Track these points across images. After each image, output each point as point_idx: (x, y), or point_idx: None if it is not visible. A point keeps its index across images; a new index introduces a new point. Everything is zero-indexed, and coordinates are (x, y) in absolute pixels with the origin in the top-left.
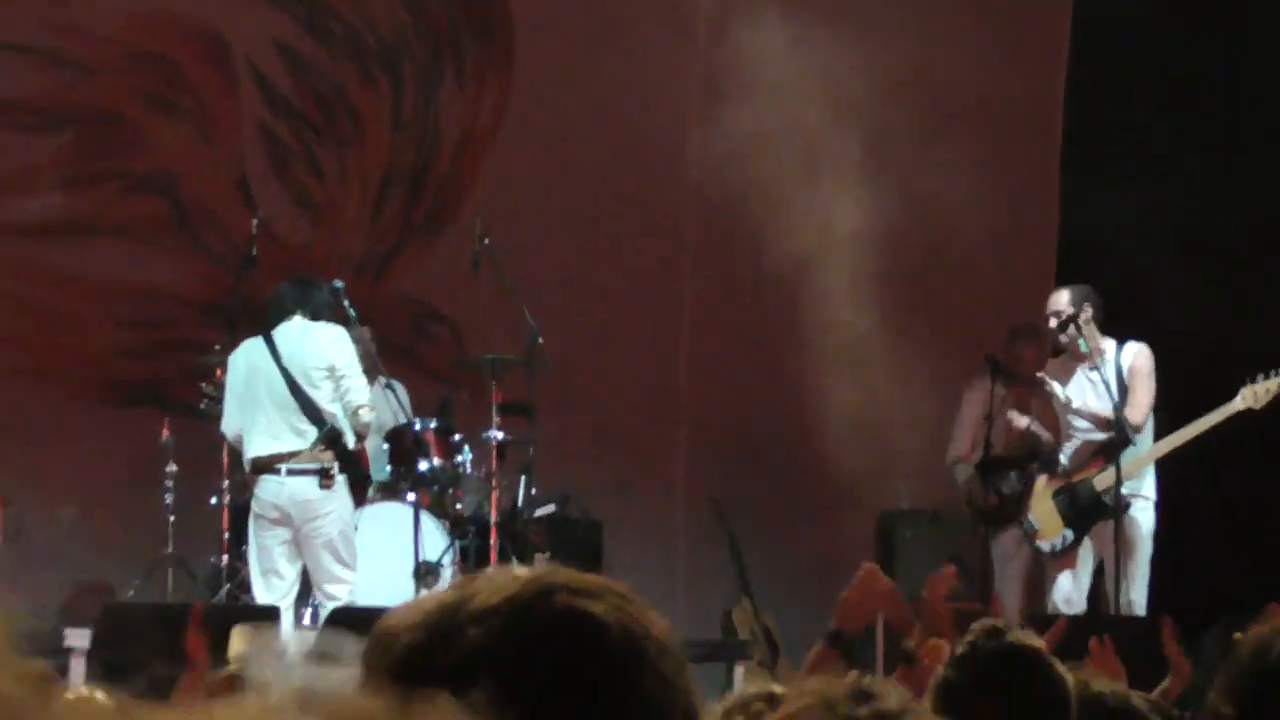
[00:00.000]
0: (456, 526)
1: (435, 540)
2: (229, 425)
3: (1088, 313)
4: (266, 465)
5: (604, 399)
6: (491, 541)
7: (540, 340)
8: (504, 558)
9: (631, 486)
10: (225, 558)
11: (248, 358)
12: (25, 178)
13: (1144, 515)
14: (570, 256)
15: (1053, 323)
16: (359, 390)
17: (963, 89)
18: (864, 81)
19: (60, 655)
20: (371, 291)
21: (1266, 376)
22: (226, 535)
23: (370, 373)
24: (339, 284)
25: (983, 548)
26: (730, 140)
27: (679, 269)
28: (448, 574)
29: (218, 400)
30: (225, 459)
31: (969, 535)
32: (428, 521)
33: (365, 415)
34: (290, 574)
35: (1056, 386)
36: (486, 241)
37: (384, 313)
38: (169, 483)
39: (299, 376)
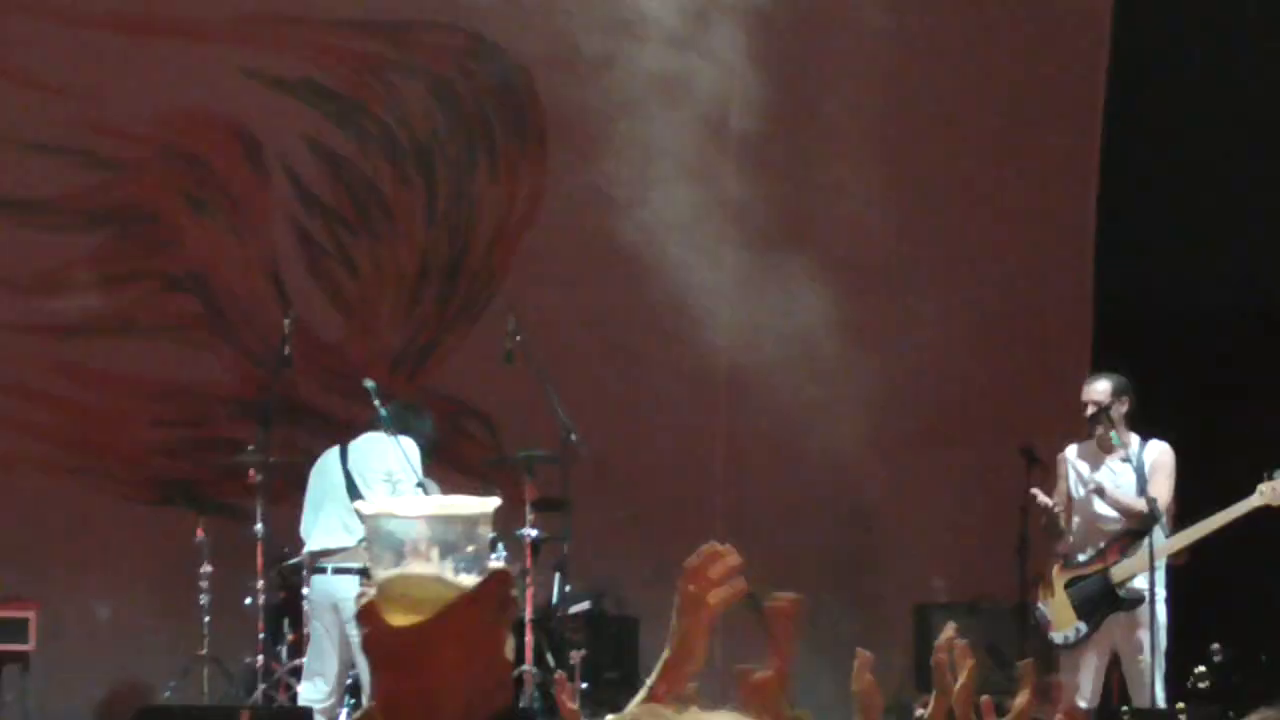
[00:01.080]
0: None
1: None
2: (304, 529)
3: (1123, 406)
4: (317, 560)
5: (639, 490)
6: (527, 640)
7: (573, 436)
8: (539, 655)
9: (668, 577)
10: (260, 658)
11: (323, 462)
12: (61, 277)
13: (1159, 609)
14: (603, 347)
15: (1090, 410)
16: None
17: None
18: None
19: None
20: (408, 388)
21: None
22: (262, 635)
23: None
24: (370, 383)
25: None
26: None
27: (712, 345)
28: None
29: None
30: (259, 559)
31: (1007, 625)
32: None
33: None
34: (332, 675)
35: (1084, 469)
36: (519, 338)
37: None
38: (204, 583)
39: (358, 477)
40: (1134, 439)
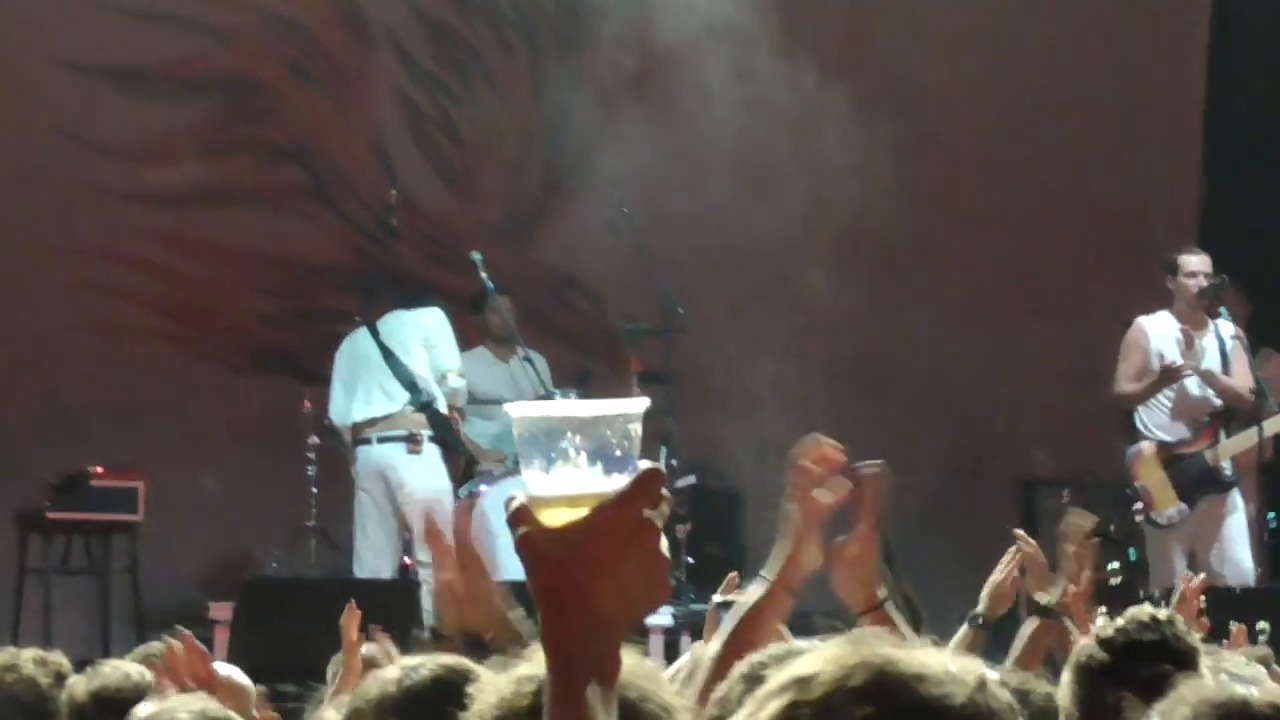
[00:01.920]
0: None
1: None
2: (335, 412)
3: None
4: (361, 431)
5: (741, 366)
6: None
7: (679, 309)
8: None
9: (771, 453)
10: None
11: (351, 344)
12: (164, 146)
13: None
14: (708, 220)
15: (1203, 282)
16: (449, 357)
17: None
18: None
19: (204, 626)
20: (512, 259)
21: None
22: None
23: (509, 344)
24: (476, 255)
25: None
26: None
27: (819, 230)
28: None
29: None
30: None
31: (1110, 501)
32: None
33: (454, 381)
34: (385, 545)
35: (1167, 344)
36: (625, 209)
37: (524, 282)
38: (310, 454)
39: (394, 346)
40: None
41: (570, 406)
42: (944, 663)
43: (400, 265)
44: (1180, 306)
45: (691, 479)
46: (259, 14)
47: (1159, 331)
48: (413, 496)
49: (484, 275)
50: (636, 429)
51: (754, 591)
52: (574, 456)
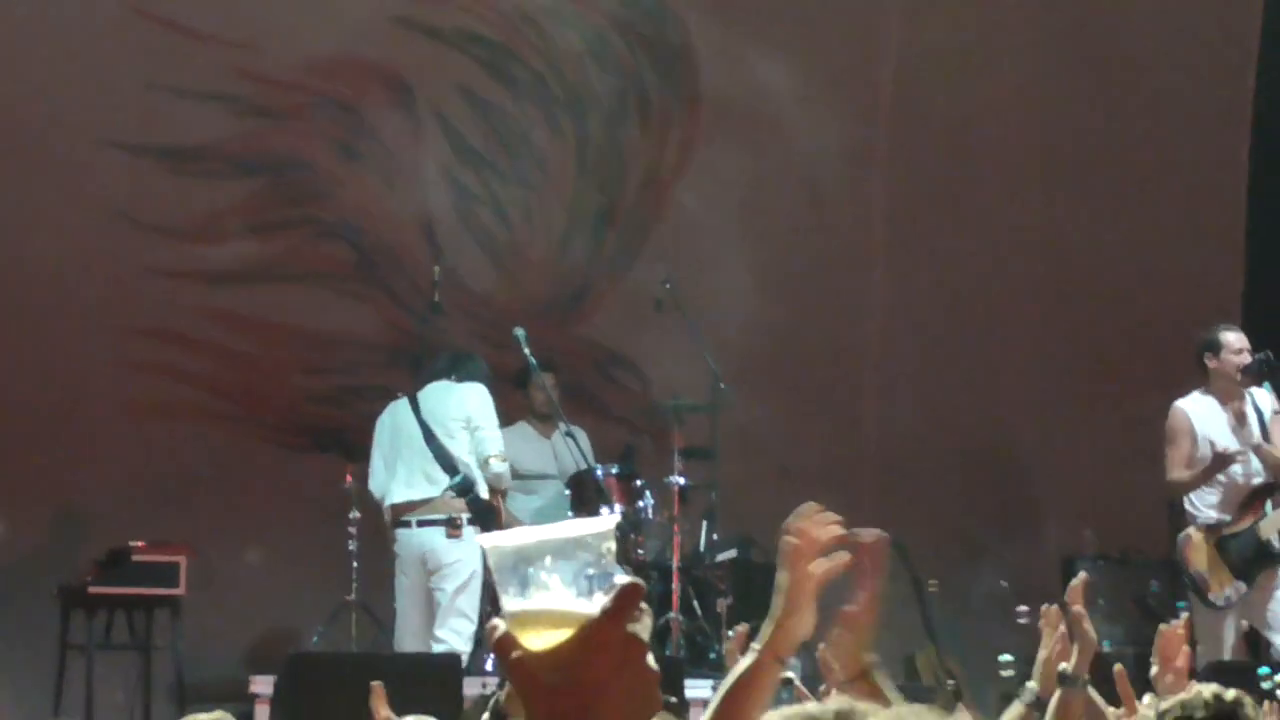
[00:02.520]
0: (639, 572)
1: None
2: (375, 484)
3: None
4: (400, 514)
5: (787, 440)
6: (674, 587)
7: (722, 385)
8: (686, 603)
9: None
10: None
11: (393, 416)
12: (214, 225)
13: None
14: (752, 295)
15: (1247, 358)
16: (492, 441)
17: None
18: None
19: (245, 702)
20: (558, 336)
21: None
22: None
23: (551, 420)
24: (520, 331)
25: None
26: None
27: (863, 303)
28: None
29: None
30: None
31: (1156, 578)
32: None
33: (496, 465)
34: (419, 627)
35: (1211, 425)
36: (668, 286)
37: (568, 358)
38: (352, 529)
39: (436, 428)
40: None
41: (542, 532)
42: None
43: (445, 342)
44: (1220, 384)
45: (733, 553)
46: (308, 94)
47: (1201, 414)
48: (446, 579)
49: (527, 351)
50: (610, 546)
51: (744, 662)
52: (549, 581)
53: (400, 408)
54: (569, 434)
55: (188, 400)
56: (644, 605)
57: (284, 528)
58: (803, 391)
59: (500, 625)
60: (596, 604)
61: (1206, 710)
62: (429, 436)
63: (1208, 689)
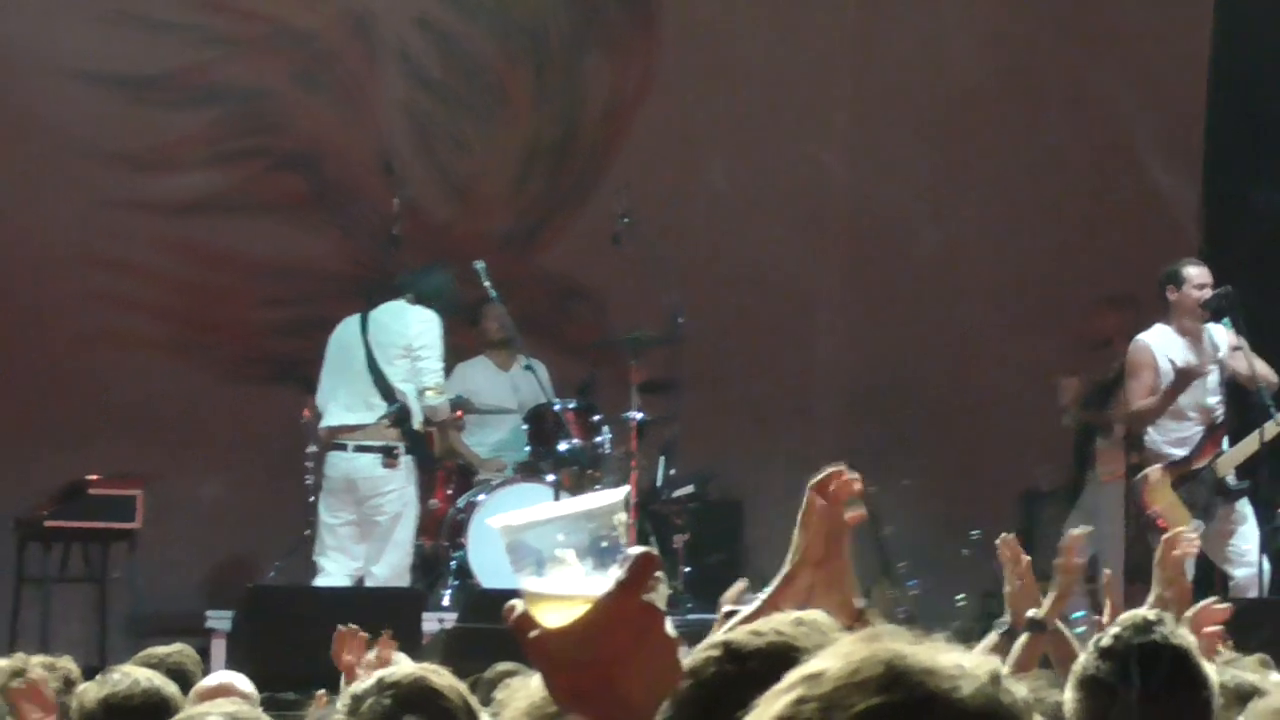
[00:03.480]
0: None
1: None
2: (320, 398)
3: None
4: (336, 437)
5: (747, 374)
6: (630, 522)
7: (681, 318)
8: (643, 538)
9: (773, 463)
10: None
11: (343, 332)
12: (171, 154)
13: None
14: (716, 227)
15: (1210, 293)
16: (432, 373)
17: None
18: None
19: (202, 636)
20: (515, 268)
21: None
22: None
23: (509, 351)
24: (480, 264)
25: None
26: (880, 96)
27: (827, 236)
28: None
29: None
30: None
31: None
32: None
33: (432, 398)
34: (358, 556)
35: (1175, 356)
36: (626, 220)
37: (527, 290)
38: (309, 463)
39: (378, 352)
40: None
41: (550, 508)
42: (957, 658)
43: (403, 274)
44: (1181, 318)
45: (690, 488)
46: (266, 24)
47: (1163, 346)
48: (381, 508)
49: (488, 284)
50: (622, 518)
51: (747, 611)
52: (565, 557)
53: (350, 325)
54: (528, 367)
55: (144, 332)
56: (659, 574)
57: (242, 460)
58: (763, 326)
59: (518, 605)
60: (611, 578)
61: (1137, 634)
62: (371, 361)
63: (1135, 615)
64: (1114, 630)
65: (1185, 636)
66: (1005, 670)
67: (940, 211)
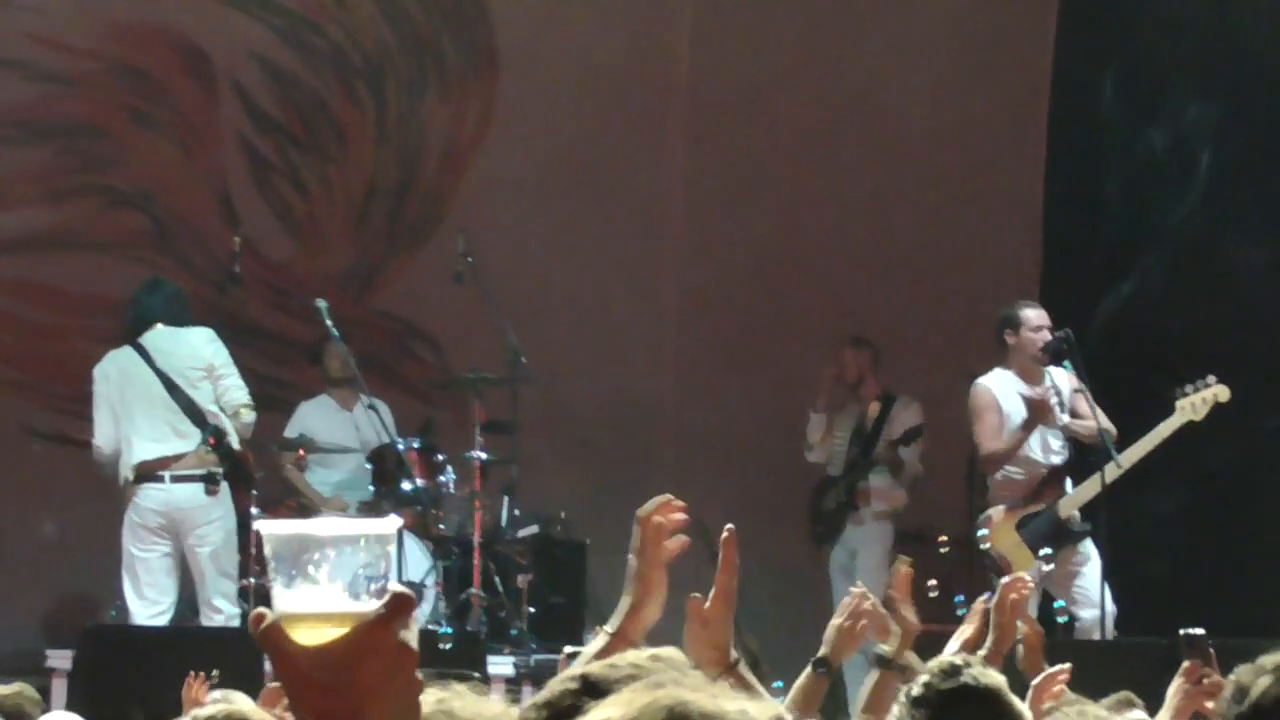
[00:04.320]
0: (439, 547)
1: (419, 561)
2: (102, 438)
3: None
4: (150, 471)
5: (587, 415)
6: (475, 562)
7: (523, 359)
8: (487, 578)
9: (616, 503)
10: None
11: (118, 366)
12: (5, 191)
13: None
14: (553, 269)
15: (1047, 336)
16: (239, 389)
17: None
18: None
19: (42, 675)
20: (355, 308)
21: (1196, 388)
22: None
23: (352, 390)
24: (322, 303)
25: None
26: (715, 128)
27: (663, 277)
28: (431, 595)
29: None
30: None
31: (953, 556)
32: (411, 542)
33: (245, 415)
34: (171, 591)
35: (1014, 401)
36: (470, 259)
37: (367, 330)
38: None
39: (177, 378)
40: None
41: (323, 525)
42: (741, 704)
43: (243, 312)
44: (1020, 361)
45: (534, 528)
46: (101, 60)
47: (1004, 390)
48: (206, 538)
49: (329, 323)
50: (390, 550)
51: (595, 645)
52: (319, 576)
53: (123, 357)
54: (371, 406)
55: None
56: (414, 615)
57: (77, 497)
58: (602, 365)
59: (268, 614)
60: (367, 605)
61: (944, 680)
62: (171, 387)
63: (941, 661)
64: (923, 679)
65: (993, 676)
66: (789, 715)
67: (776, 252)
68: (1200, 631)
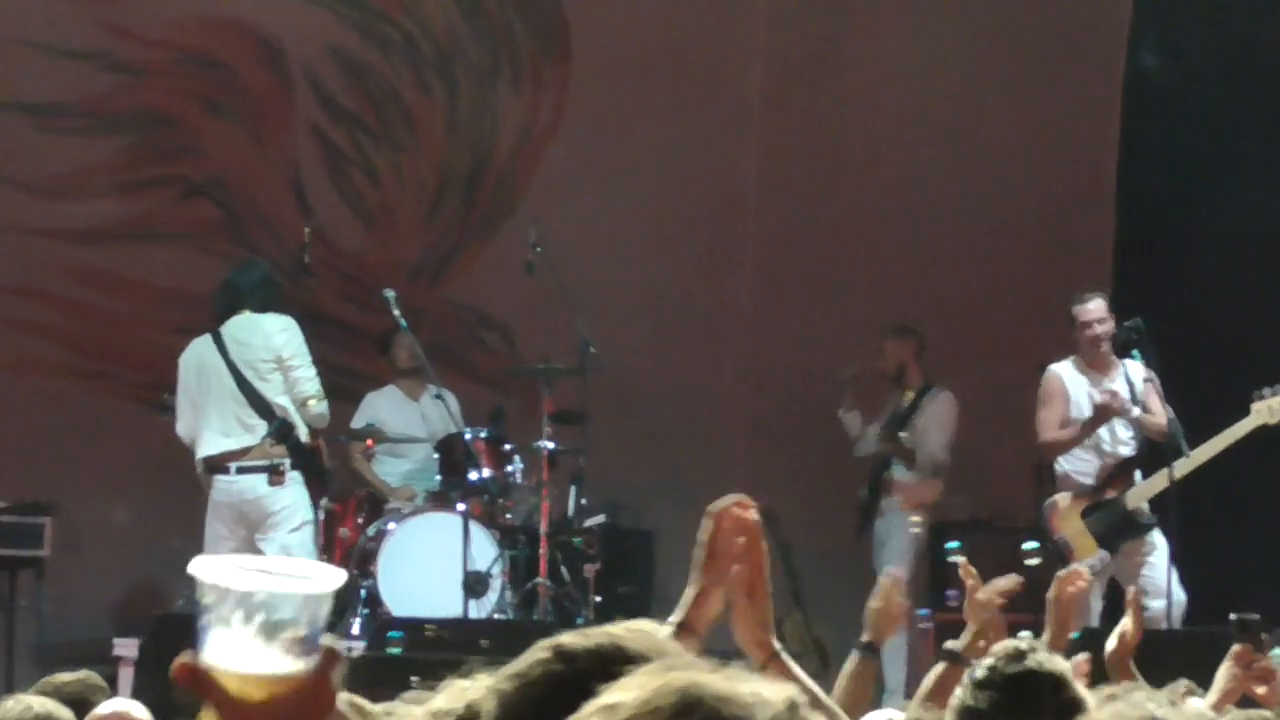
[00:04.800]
0: (506, 537)
1: (485, 550)
2: (182, 427)
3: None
4: (218, 464)
5: (657, 404)
6: (541, 552)
7: (592, 349)
8: (554, 568)
9: (684, 493)
10: None
11: (197, 355)
12: (79, 182)
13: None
14: (625, 259)
15: (1106, 327)
16: (308, 380)
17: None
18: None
19: (109, 664)
20: (426, 297)
21: (1275, 391)
22: None
23: (419, 380)
24: (390, 293)
25: None
26: (794, 133)
27: (735, 268)
28: (497, 584)
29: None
30: None
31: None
32: (477, 531)
33: (315, 406)
34: None
35: (1085, 390)
36: (539, 249)
37: (438, 319)
38: None
39: (246, 370)
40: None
41: (266, 577)
42: (754, 687)
43: (314, 302)
44: (1087, 352)
45: (601, 518)
46: (176, 50)
47: (1074, 378)
48: (275, 528)
49: (397, 312)
50: (325, 610)
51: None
52: (241, 625)
53: (203, 346)
54: (439, 396)
55: (52, 358)
56: (341, 674)
57: (150, 486)
58: (674, 356)
59: (192, 658)
60: (293, 661)
61: (1009, 664)
62: (240, 380)
63: (1007, 644)
64: (988, 661)
65: (1058, 661)
66: (802, 699)
67: (847, 245)
68: (1255, 616)
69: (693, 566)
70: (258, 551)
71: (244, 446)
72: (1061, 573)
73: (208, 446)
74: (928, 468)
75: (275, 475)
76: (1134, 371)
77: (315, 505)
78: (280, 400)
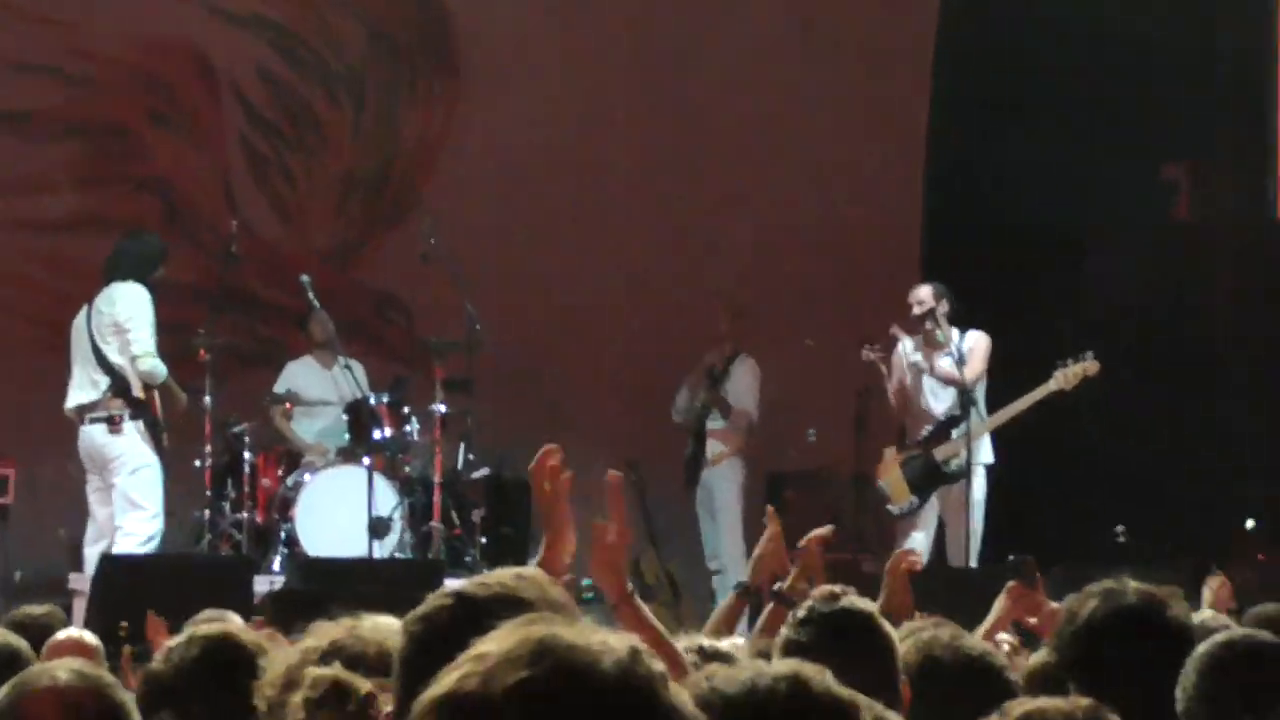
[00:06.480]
0: (405, 486)
1: (387, 498)
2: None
3: (944, 307)
4: (77, 416)
5: (537, 375)
6: (435, 500)
7: (478, 326)
8: (445, 513)
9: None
10: (206, 512)
11: (76, 321)
12: (41, 180)
13: (979, 481)
14: (510, 248)
15: (916, 310)
16: (139, 341)
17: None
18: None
19: (65, 596)
20: (337, 281)
21: (1075, 360)
22: (208, 493)
23: (330, 352)
24: (305, 277)
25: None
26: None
27: (610, 250)
28: (397, 528)
29: None
30: (207, 427)
31: (844, 493)
32: (380, 482)
33: (143, 364)
34: (104, 518)
35: (909, 346)
36: (433, 241)
37: (348, 300)
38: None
39: (96, 334)
40: (955, 333)
41: None
42: (602, 636)
43: (241, 285)
44: (914, 330)
45: (486, 471)
46: (125, 68)
47: (905, 352)
48: (114, 472)
49: (311, 295)
50: None
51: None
52: None
53: (80, 314)
54: (347, 366)
55: (19, 333)
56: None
57: None
58: (552, 331)
59: None
60: None
61: (824, 602)
62: (93, 343)
63: (824, 589)
64: (808, 603)
65: (867, 602)
66: (644, 646)
67: (704, 231)
68: (1028, 557)
69: (538, 519)
70: (106, 490)
71: (91, 400)
72: (898, 550)
73: (69, 399)
74: (741, 418)
75: (113, 425)
76: (967, 340)
77: (157, 451)
78: (119, 360)
